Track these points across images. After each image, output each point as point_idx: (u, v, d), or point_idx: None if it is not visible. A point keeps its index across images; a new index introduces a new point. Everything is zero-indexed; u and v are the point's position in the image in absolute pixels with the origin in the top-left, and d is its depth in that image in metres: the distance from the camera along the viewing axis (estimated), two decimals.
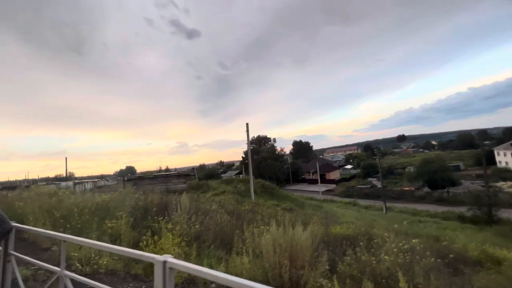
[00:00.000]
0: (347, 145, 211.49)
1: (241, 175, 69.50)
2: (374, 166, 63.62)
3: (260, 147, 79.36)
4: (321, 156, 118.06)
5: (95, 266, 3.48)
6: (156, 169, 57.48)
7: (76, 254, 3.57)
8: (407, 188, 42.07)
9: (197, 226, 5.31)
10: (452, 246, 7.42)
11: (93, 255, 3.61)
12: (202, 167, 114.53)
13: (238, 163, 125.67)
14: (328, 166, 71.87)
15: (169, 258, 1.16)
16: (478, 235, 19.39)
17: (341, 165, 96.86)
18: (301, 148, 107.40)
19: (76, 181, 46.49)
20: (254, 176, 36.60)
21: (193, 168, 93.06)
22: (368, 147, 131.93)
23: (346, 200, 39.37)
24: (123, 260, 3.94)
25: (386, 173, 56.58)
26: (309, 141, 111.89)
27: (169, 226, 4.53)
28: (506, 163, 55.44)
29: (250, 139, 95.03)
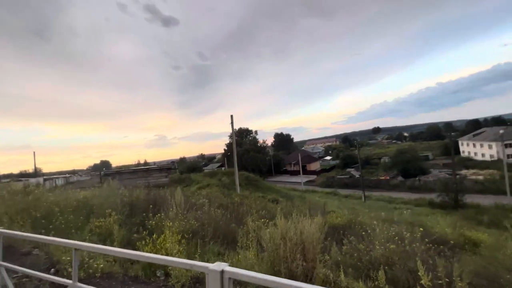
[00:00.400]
0: (325, 137, 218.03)
1: (223, 168, 69.09)
2: (352, 157, 66.24)
3: (242, 140, 79.12)
4: (302, 148, 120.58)
5: (90, 270, 3.18)
6: (134, 163, 55.18)
7: (68, 258, 3.22)
8: (383, 178, 44.43)
9: (192, 222, 5.10)
10: (434, 231, 7.92)
11: (86, 259, 3.29)
12: (182, 160, 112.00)
13: (220, 156, 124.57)
14: (309, 158, 73.59)
15: (226, 267, 0.99)
16: (448, 219, 21.12)
17: (320, 156, 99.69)
18: (282, 140, 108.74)
19: (45, 177, 43.31)
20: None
21: (173, 162, 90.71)
22: (346, 139, 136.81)
23: (327, 190, 40.74)
24: (118, 261, 3.66)
25: (363, 163, 59.20)
26: (290, 133, 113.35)
27: (168, 223, 4.28)
28: (469, 152, 60.39)
29: (231, 132, 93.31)
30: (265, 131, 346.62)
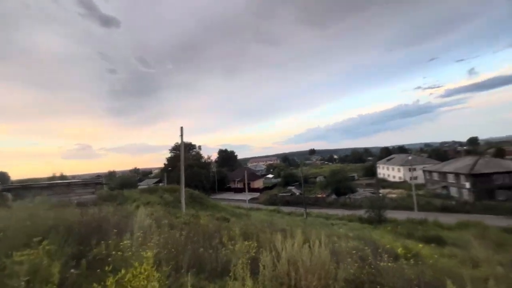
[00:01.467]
0: (267, 156, 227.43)
1: (161, 183, 63.30)
2: (292, 176, 70.31)
3: (185, 154, 75.07)
4: (245, 166, 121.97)
5: None
6: (47, 176, 45.03)
7: None
8: (320, 196, 48.25)
9: (157, 249, 4.13)
10: (384, 245, 8.63)
11: None
12: (111, 174, 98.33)
13: (157, 171, 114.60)
14: (253, 175, 74.67)
15: None
16: (375, 232, 23.99)
17: (263, 174, 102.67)
18: (227, 156, 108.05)
19: None
20: (177, 184, 33.90)
21: (98, 175, 78.29)
22: (286, 159, 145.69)
23: (271, 207, 41.54)
24: None
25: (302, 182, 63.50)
26: (234, 150, 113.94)
27: (130, 253, 3.27)
28: (383, 174, 71.93)
29: (173, 146, 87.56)
30: (209, 147, 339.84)
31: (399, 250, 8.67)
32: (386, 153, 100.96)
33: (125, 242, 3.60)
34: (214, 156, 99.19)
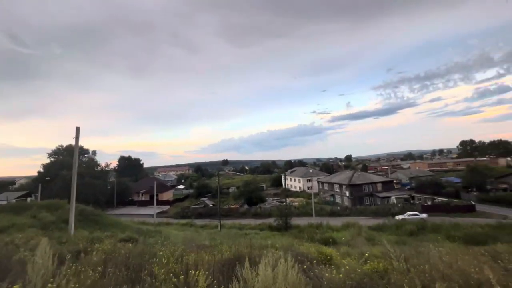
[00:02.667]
0: (178, 165, 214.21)
1: (29, 198, 48.21)
2: (206, 187, 68.77)
3: (72, 160, 60.69)
4: (152, 176, 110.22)
5: None
6: None
7: None
8: (233, 206, 49.05)
9: None
10: (303, 252, 9.45)
11: None
12: None
13: (25, 180, 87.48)
14: (162, 186, 68.21)
15: None
16: (283, 238, 26.31)
17: (173, 185, 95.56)
18: (130, 165, 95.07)
19: None
20: (59, 199, 26.75)
21: None
22: (199, 168, 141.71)
23: (183, 221, 38.81)
24: None
25: (215, 192, 62.94)
26: (139, 158, 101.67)
27: None
28: (287, 185, 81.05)
29: (55, 149, 70.97)
30: (106, 153, 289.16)
31: (316, 255, 9.74)
32: (289, 165, 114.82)
33: None
34: (114, 164, 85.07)
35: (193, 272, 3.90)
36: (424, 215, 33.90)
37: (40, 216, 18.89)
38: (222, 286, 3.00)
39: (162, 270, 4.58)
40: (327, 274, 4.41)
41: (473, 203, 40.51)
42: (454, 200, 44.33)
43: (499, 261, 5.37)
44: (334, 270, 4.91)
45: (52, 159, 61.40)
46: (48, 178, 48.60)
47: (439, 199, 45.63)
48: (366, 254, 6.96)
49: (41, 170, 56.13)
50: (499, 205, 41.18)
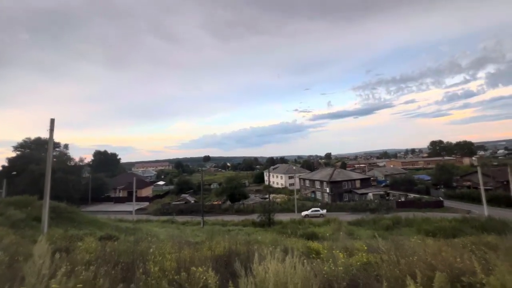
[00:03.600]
0: (158, 161, 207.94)
1: None
2: (187, 183, 67.51)
3: (41, 154, 56.79)
4: (130, 171, 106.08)
5: None
6: None
7: None
8: (215, 202, 48.65)
9: None
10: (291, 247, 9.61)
11: None
12: None
13: None
14: (141, 182, 65.93)
15: None
16: (267, 234, 26.59)
17: (152, 181, 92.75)
18: (105, 160, 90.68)
19: None
20: (30, 195, 24.94)
21: None
22: (180, 164, 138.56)
23: (164, 218, 37.87)
24: None
25: (197, 189, 62.05)
26: (116, 153, 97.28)
27: None
28: (269, 181, 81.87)
29: (21, 142, 66.14)
30: (79, 147, 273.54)
31: (304, 250, 9.95)
32: (271, 162, 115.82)
33: None
34: (88, 159, 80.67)
35: (194, 268, 3.81)
36: (323, 211, 38.17)
37: (8, 214, 17.39)
38: (230, 281, 2.95)
39: (157, 268, 4.44)
40: (325, 268, 4.52)
41: (441, 199, 43.62)
42: (425, 196, 47.44)
43: (476, 252, 5.85)
44: (331, 264, 5.04)
45: (18, 152, 56.92)
46: (15, 173, 45.04)
47: (411, 195, 48.57)
48: (356, 247, 7.23)
49: (6, 164, 51.90)
50: (463, 201, 44.75)
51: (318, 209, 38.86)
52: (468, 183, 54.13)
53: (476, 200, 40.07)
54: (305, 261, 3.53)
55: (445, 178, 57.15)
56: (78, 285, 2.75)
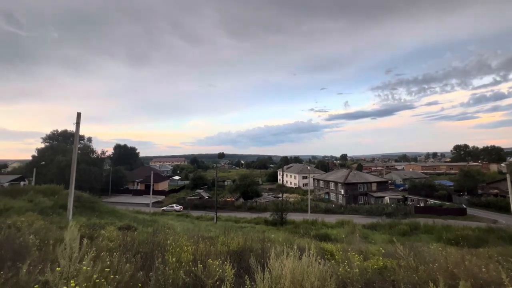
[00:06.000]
0: (174, 156, 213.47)
1: (23, 183, 47.63)
2: (202, 179, 68.76)
3: (67, 146, 60.15)
4: (147, 165, 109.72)
5: None
6: None
7: None
8: (229, 199, 49.22)
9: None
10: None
11: None
12: None
13: (17, 164, 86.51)
14: (158, 176, 68.03)
15: None
16: (280, 233, 26.57)
17: (168, 175, 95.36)
18: (125, 153, 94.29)
19: None
20: (57, 184, 26.55)
21: None
22: (195, 160, 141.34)
23: (179, 211, 38.87)
24: None
25: (211, 185, 63.11)
26: (135, 147, 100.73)
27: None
28: (283, 180, 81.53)
29: (49, 134, 70.04)
30: (101, 140, 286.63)
31: (316, 250, 9.86)
32: (285, 161, 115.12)
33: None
34: (109, 152, 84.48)
35: (210, 261, 3.92)
36: (178, 207, 41.27)
37: (37, 201, 18.72)
38: (246, 276, 3.01)
39: (174, 259, 4.61)
40: (340, 269, 4.47)
41: (464, 206, 41.37)
42: (446, 203, 45.19)
43: (503, 263, 5.52)
44: (347, 266, 4.98)
45: (46, 144, 60.65)
46: (43, 163, 48.02)
47: (431, 201, 46.46)
48: (371, 251, 7.08)
49: (35, 154, 55.42)
50: (489, 209, 42.14)
51: (174, 205, 42.80)
52: (495, 191, 50.89)
53: (504, 209, 37.76)
54: (321, 261, 3.53)
55: (470, 185, 54.06)
56: (105, 269, 2.92)
